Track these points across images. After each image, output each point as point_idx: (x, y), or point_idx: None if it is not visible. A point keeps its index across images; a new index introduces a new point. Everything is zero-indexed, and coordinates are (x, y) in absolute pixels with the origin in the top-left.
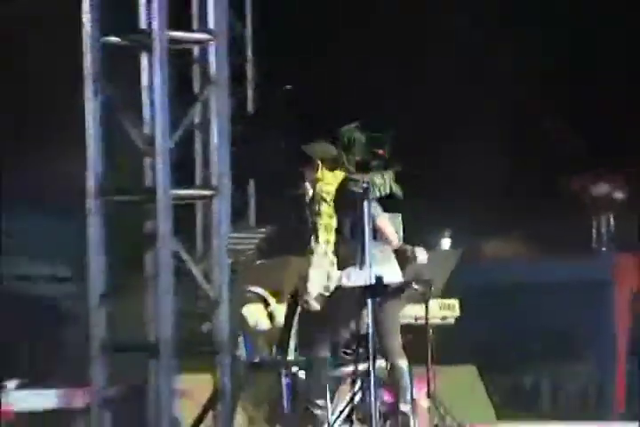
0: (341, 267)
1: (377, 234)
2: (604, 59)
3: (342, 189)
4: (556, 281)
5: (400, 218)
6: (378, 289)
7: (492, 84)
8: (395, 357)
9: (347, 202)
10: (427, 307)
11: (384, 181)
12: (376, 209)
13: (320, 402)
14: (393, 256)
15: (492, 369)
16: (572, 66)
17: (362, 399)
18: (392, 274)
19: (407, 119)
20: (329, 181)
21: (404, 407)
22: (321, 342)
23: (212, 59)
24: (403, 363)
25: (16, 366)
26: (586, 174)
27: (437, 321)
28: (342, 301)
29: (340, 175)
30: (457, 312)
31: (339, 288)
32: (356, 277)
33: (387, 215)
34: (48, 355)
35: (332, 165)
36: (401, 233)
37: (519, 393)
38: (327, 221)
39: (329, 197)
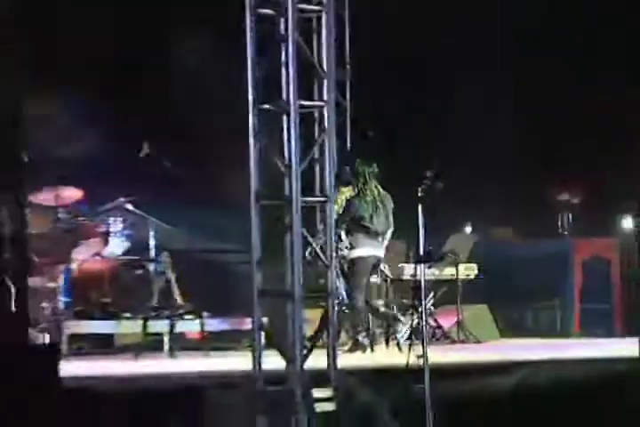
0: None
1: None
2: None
3: None
4: (537, 254)
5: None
6: (429, 257)
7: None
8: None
9: None
10: (457, 268)
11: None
12: None
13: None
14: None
15: (496, 307)
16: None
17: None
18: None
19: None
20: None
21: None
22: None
23: (325, 119)
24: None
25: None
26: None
27: (463, 277)
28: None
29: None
30: (475, 271)
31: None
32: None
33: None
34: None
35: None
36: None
37: (513, 321)
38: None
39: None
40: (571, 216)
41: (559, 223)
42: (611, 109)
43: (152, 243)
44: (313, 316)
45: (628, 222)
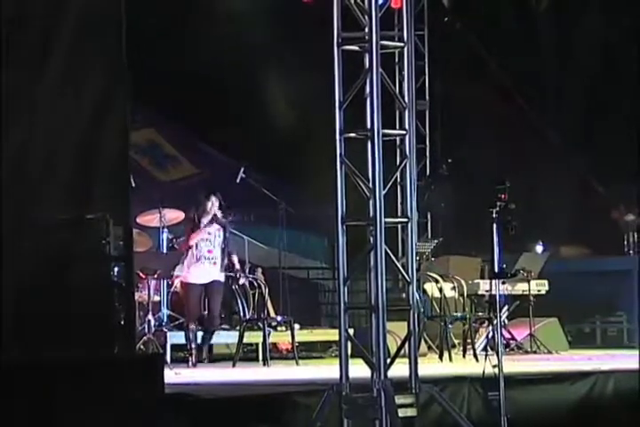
0: None
1: None
2: None
3: None
4: (605, 271)
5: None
6: (503, 274)
7: None
8: None
9: None
10: (529, 284)
11: None
12: None
13: None
14: None
15: (566, 320)
16: None
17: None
18: None
19: None
20: None
21: None
22: None
23: (406, 145)
24: None
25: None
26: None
27: (535, 292)
28: None
29: None
30: (546, 287)
31: None
32: None
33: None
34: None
35: None
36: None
37: (582, 334)
38: None
39: None
40: (637, 235)
41: (625, 242)
42: None
43: (247, 260)
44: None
45: None
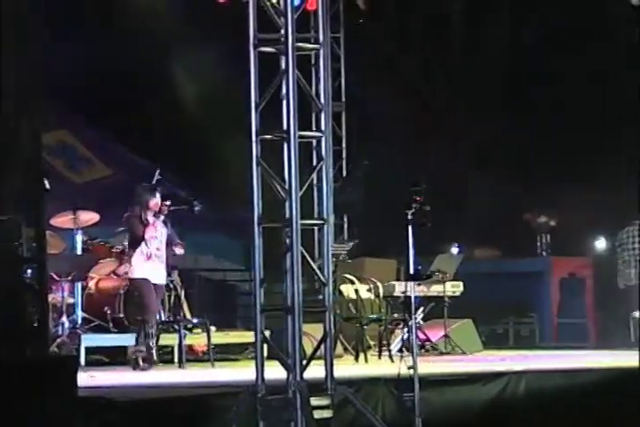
0: None
1: None
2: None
3: None
4: (518, 272)
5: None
6: (418, 275)
7: None
8: None
9: None
10: (444, 286)
11: None
12: None
13: None
14: None
15: (480, 321)
16: None
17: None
18: None
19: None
20: None
21: None
22: None
23: (322, 147)
24: None
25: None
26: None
27: (449, 294)
28: None
29: None
30: (461, 289)
31: None
32: None
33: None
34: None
35: None
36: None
37: (495, 334)
38: None
39: None
40: (549, 237)
41: (538, 244)
42: (585, 144)
43: None
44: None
45: (601, 243)
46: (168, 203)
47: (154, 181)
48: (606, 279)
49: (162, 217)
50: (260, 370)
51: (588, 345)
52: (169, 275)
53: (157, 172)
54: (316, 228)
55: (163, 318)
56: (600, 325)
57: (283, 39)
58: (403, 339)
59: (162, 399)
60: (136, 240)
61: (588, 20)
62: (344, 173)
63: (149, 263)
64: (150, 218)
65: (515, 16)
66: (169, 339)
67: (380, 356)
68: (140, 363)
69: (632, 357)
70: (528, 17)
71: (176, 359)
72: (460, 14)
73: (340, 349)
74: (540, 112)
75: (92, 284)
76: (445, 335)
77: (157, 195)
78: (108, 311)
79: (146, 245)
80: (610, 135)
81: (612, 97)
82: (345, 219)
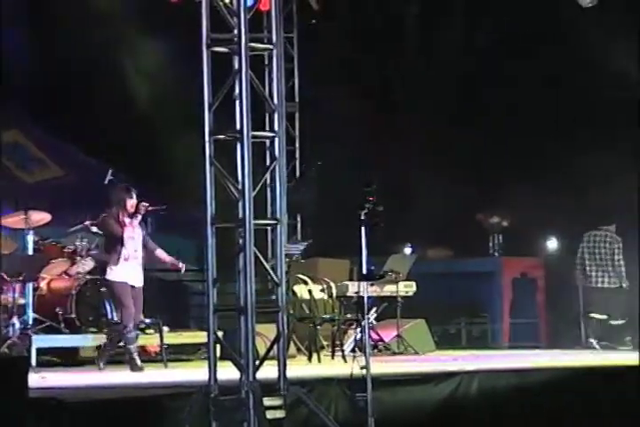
0: None
1: None
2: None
3: None
4: (470, 272)
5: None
6: (371, 276)
7: None
8: None
9: None
10: (397, 286)
11: None
12: None
13: None
14: None
15: (433, 321)
16: None
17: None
18: None
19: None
20: None
21: None
22: None
23: (275, 147)
24: None
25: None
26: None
27: (402, 294)
28: None
29: None
30: (414, 289)
31: None
32: None
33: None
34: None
35: None
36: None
37: (448, 334)
38: None
39: None
40: (501, 237)
41: (490, 244)
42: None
43: None
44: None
45: (552, 243)
46: (146, 204)
47: (106, 182)
48: (557, 279)
49: (139, 218)
50: (212, 370)
51: (539, 345)
52: None
53: (110, 172)
54: (269, 228)
55: (115, 319)
56: (551, 325)
57: (236, 39)
58: (356, 339)
59: (114, 400)
60: (113, 242)
61: (542, 24)
62: (297, 173)
63: (126, 265)
64: (127, 219)
65: (469, 19)
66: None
67: (332, 356)
68: (138, 362)
69: (582, 356)
70: (482, 21)
71: (129, 360)
72: (414, 17)
73: (293, 349)
74: (494, 115)
75: (43, 284)
76: (398, 335)
77: (134, 195)
78: (60, 312)
79: (123, 246)
80: (563, 138)
81: (565, 100)
82: (298, 219)
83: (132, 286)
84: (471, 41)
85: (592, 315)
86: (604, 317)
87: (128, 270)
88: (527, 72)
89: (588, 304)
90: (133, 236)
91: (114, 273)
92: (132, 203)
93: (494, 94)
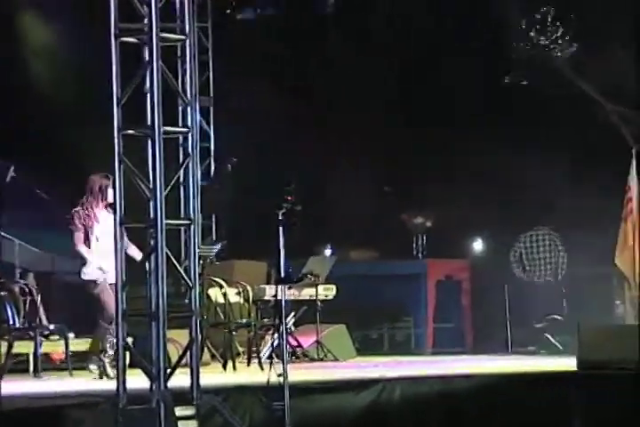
0: None
1: None
2: None
3: None
4: (393, 275)
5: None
6: (289, 278)
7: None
8: None
9: None
10: (316, 289)
11: None
12: None
13: None
14: None
15: (354, 326)
16: None
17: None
18: None
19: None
20: None
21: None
22: None
23: (188, 144)
24: None
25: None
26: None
27: (322, 297)
28: None
29: None
30: (334, 292)
31: None
32: None
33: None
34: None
35: None
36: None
37: (369, 340)
38: None
39: None
40: (425, 239)
41: (414, 245)
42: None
43: (17, 265)
44: (176, 336)
45: (478, 245)
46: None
47: (7, 179)
48: (484, 282)
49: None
50: (121, 379)
51: (464, 350)
52: (21, 277)
53: (11, 169)
54: (182, 228)
55: (17, 325)
56: (476, 329)
57: (146, 29)
58: (273, 345)
59: (15, 411)
60: (87, 237)
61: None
62: (212, 171)
63: (104, 262)
64: (102, 212)
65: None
66: (24, 347)
67: (249, 363)
68: (110, 373)
69: (507, 362)
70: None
71: (31, 368)
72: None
73: (207, 356)
74: (417, 112)
75: None
76: (317, 341)
77: (110, 187)
78: None
79: (97, 241)
80: (490, 136)
81: (494, 97)
82: (213, 219)
83: (110, 284)
84: (392, 39)
85: (552, 316)
86: (560, 318)
87: (106, 268)
88: (457, 69)
89: (519, 304)
90: (109, 231)
91: (94, 272)
92: (110, 193)
93: (419, 92)
